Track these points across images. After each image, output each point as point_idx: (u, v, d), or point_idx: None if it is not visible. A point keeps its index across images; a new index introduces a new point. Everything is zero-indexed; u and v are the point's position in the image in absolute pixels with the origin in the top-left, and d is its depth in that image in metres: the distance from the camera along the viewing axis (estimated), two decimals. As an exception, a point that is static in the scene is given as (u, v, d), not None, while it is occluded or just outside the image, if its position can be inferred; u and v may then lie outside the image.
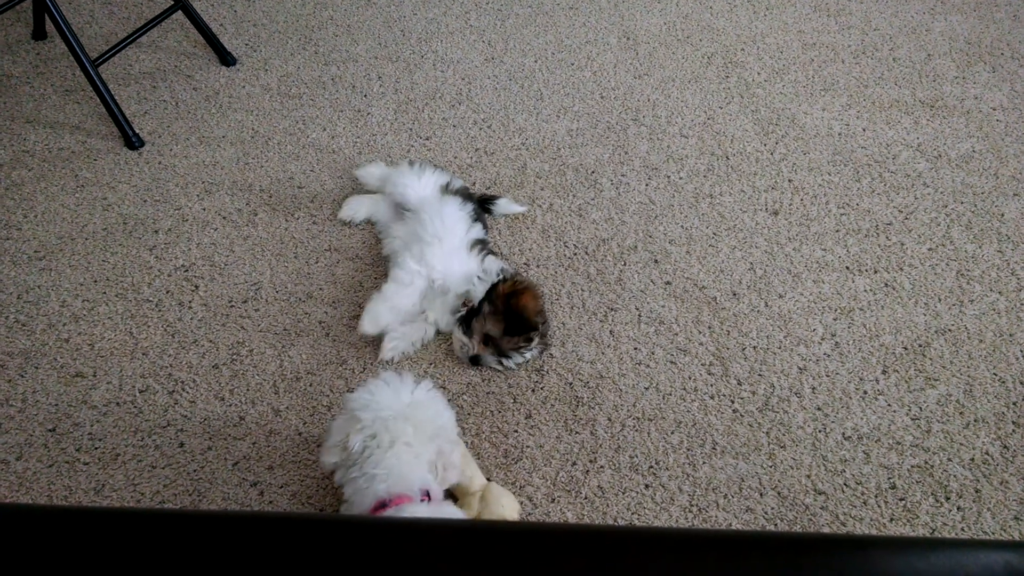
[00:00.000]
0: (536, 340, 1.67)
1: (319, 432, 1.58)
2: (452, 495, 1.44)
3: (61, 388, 1.66)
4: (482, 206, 1.98)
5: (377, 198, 1.98)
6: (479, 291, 1.71)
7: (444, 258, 1.74)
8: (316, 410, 1.62)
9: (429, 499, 1.25)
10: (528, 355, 1.68)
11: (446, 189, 1.88)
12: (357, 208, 1.98)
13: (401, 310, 1.71)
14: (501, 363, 1.67)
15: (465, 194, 1.91)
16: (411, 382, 1.35)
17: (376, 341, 1.73)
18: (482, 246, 1.81)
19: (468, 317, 1.70)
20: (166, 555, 0.62)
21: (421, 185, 1.88)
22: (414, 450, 1.26)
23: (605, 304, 1.82)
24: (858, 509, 1.47)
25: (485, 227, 1.88)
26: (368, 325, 1.68)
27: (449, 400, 1.63)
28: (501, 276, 1.72)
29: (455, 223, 1.80)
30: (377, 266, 1.90)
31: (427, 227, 1.78)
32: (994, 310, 1.80)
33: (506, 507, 1.40)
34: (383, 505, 1.21)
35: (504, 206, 2.01)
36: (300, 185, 2.11)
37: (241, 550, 0.63)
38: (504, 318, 1.65)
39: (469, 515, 1.38)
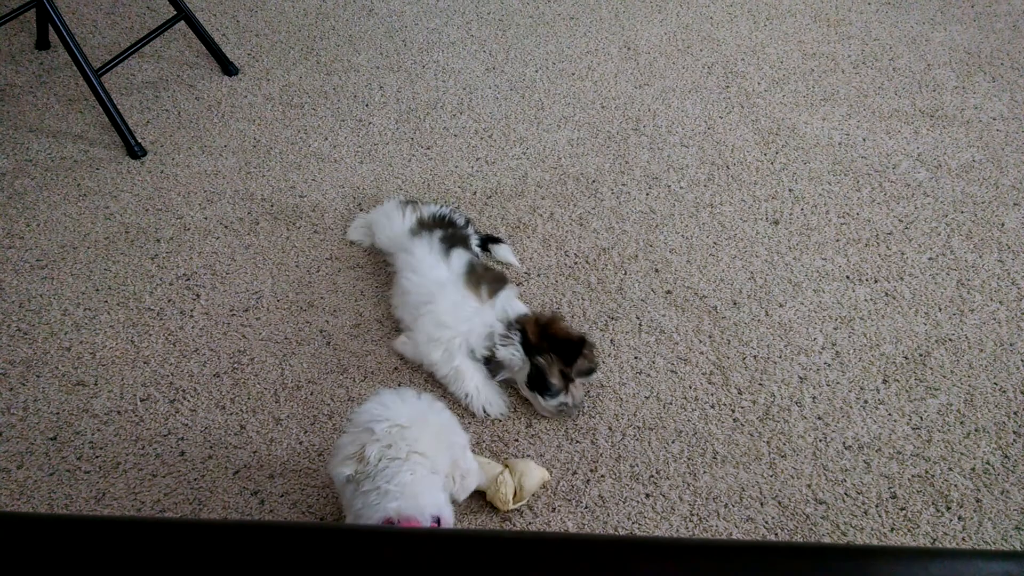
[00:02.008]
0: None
1: (320, 441, 1.58)
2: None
3: (62, 397, 1.66)
4: (482, 246, 1.90)
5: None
6: (507, 353, 1.62)
7: (452, 318, 1.66)
8: (317, 419, 1.62)
9: (439, 525, 1.21)
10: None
11: (420, 223, 1.81)
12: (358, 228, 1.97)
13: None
14: (583, 389, 1.63)
15: (433, 223, 1.82)
16: (414, 394, 1.33)
17: (378, 358, 1.74)
18: (474, 272, 1.73)
19: (539, 380, 1.60)
20: (167, 564, 0.62)
21: (394, 229, 1.82)
22: (430, 462, 1.23)
23: (606, 313, 1.82)
24: (859, 519, 1.47)
25: (467, 247, 1.81)
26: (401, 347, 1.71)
27: (449, 409, 1.64)
28: (519, 325, 1.65)
29: (430, 268, 1.72)
30: (378, 275, 1.90)
31: (412, 290, 1.71)
32: (994, 320, 1.80)
33: (537, 472, 1.48)
34: (390, 524, 1.18)
35: (503, 253, 1.92)
36: (302, 194, 2.11)
37: (242, 559, 0.63)
38: (565, 350, 1.59)
39: (508, 492, 1.44)
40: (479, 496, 1.49)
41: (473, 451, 1.57)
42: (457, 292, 1.68)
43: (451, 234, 1.80)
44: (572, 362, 1.58)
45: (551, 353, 1.59)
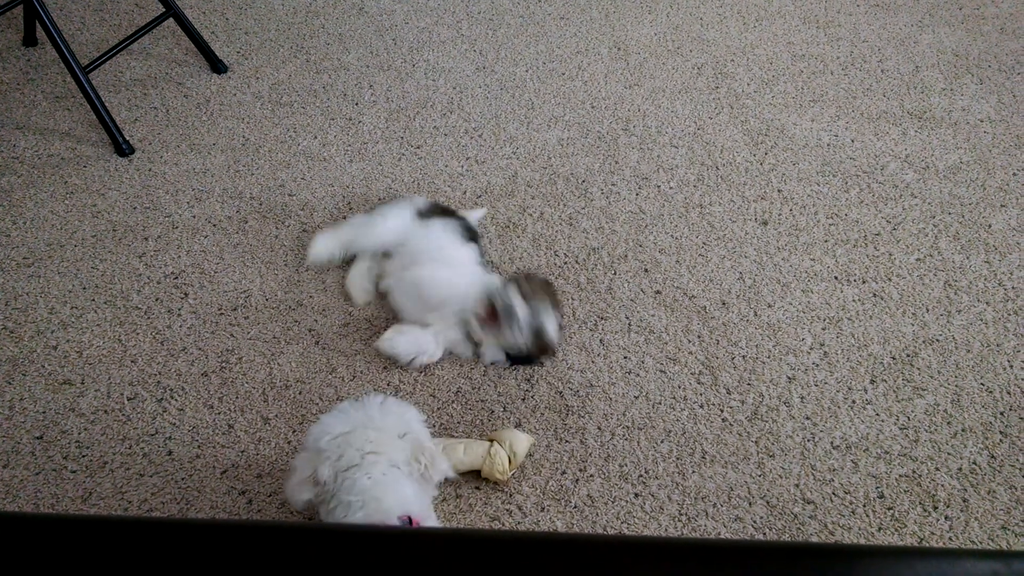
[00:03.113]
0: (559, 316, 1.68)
1: (308, 440, 1.58)
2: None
3: (49, 395, 1.65)
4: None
5: (365, 265, 1.87)
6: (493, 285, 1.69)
7: (447, 277, 1.71)
8: (305, 418, 1.62)
9: (410, 523, 1.16)
10: (555, 323, 1.66)
11: (420, 214, 1.85)
12: (365, 287, 1.86)
13: (421, 342, 1.68)
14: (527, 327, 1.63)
15: (442, 211, 1.88)
16: (351, 403, 1.28)
17: (367, 357, 1.74)
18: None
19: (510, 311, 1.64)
20: (154, 564, 0.62)
21: (391, 225, 1.83)
22: (386, 456, 1.19)
23: (595, 313, 1.83)
24: (846, 518, 1.47)
25: (480, 248, 1.85)
26: (385, 345, 1.69)
27: (437, 409, 1.64)
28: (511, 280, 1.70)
29: (446, 242, 1.78)
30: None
31: (419, 253, 1.75)
32: (981, 320, 1.81)
33: (523, 437, 1.52)
34: None
35: (471, 218, 1.97)
36: (291, 193, 2.10)
37: (229, 559, 0.62)
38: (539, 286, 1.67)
39: (504, 461, 1.47)
40: (466, 498, 1.49)
41: (456, 435, 1.57)
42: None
43: (467, 226, 1.87)
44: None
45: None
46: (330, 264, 1.89)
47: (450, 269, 1.74)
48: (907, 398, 1.67)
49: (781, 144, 2.28)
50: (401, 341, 1.68)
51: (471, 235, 1.86)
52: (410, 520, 1.17)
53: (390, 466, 1.19)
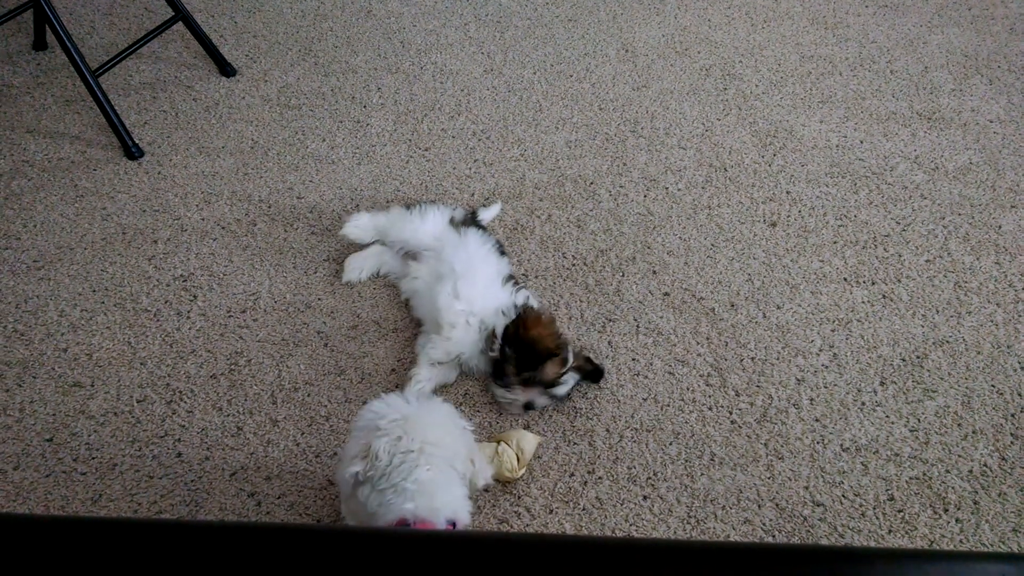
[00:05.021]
0: (570, 361, 1.62)
1: (317, 443, 1.58)
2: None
3: (59, 398, 1.66)
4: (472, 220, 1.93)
5: (378, 250, 1.90)
6: (501, 327, 1.65)
7: (481, 290, 1.69)
8: (314, 421, 1.62)
9: (454, 528, 1.16)
10: (571, 380, 1.63)
11: (453, 222, 1.84)
12: (361, 266, 1.89)
13: (453, 353, 1.67)
14: (554, 397, 1.62)
15: (477, 223, 1.88)
16: (409, 396, 1.30)
17: (375, 360, 1.74)
18: (513, 281, 1.77)
19: (498, 368, 1.64)
20: (163, 566, 0.62)
21: (428, 226, 1.82)
22: (445, 451, 1.19)
23: (603, 315, 1.82)
24: (856, 521, 1.47)
25: (508, 261, 1.84)
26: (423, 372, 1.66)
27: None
28: (519, 311, 1.67)
29: (484, 254, 1.76)
30: (375, 277, 1.89)
31: (455, 261, 1.72)
32: (991, 322, 1.80)
33: (531, 437, 1.53)
34: (405, 525, 1.13)
35: (487, 215, 1.99)
36: (299, 195, 2.11)
37: (238, 561, 0.62)
38: (526, 354, 1.60)
39: (513, 460, 1.47)
40: (474, 500, 1.48)
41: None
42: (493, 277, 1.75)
43: (499, 242, 1.87)
44: (525, 368, 1.60)
45: (515, 349, 1.61)
46: (358, 243, 1.89)
47: (482, 284, 1.71)
48: (917, 400, 1.66)
49: (790, 145, 2.27)
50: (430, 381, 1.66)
51: (502, 249, 1.85)
52: (454, 525, 1.16)
53: (449, 465, 1.20)
